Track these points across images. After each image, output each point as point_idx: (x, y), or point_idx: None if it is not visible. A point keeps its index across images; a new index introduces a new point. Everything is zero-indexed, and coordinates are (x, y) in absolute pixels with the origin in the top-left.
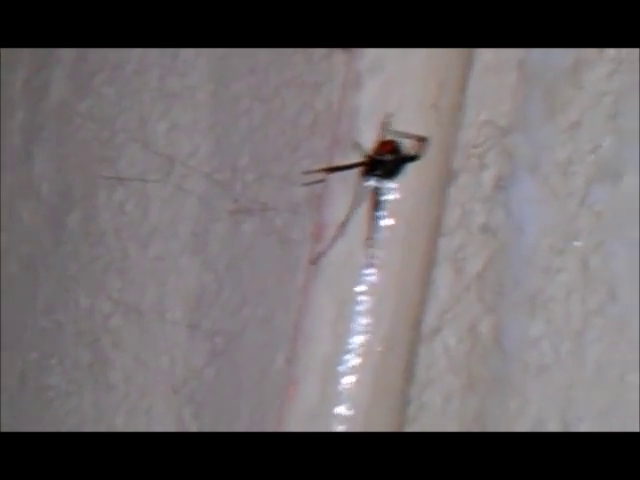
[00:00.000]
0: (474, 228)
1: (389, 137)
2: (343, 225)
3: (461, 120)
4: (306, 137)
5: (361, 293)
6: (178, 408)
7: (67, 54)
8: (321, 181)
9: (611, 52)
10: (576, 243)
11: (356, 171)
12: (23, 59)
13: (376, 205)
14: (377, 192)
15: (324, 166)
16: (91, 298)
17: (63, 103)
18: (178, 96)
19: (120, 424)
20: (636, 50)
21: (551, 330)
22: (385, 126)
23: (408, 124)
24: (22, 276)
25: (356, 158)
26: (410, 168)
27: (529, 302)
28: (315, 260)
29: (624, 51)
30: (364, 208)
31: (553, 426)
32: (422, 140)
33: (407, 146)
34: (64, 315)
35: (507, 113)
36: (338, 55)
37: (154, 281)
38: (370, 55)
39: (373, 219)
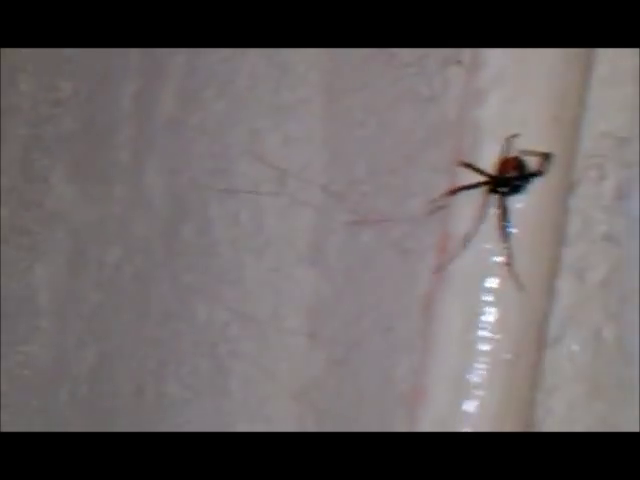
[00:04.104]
0: (596, 237)
1: (513, 154)
2: (469, 236)
3: (581, 132)
4: (422, 149)
5: (488, 302)
6: (299, 416)
7: (175, 69)
8: (449, 194)
9: None
10: None
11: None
12: (130, 74)
13: (502, 216)
14: (503, 204)
15: (443, 180)
16: (208, 308)
17: (173, 118)
18: (290, 109)
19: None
20: None
21: None
22: (509, 143)
23: (530, 137)
24: (136, 288)
25: (479, 175)
26: (532, 185)
27: None
28: (440, 270)
29: None
30: (490, 219)
31: None
32: (546, 156)
33: (530, 162)
34: (181, 324)
35: (625, 124)
36: (452, 68)
37: (270, 291)
38: (492, 69)
39: (500, 229)
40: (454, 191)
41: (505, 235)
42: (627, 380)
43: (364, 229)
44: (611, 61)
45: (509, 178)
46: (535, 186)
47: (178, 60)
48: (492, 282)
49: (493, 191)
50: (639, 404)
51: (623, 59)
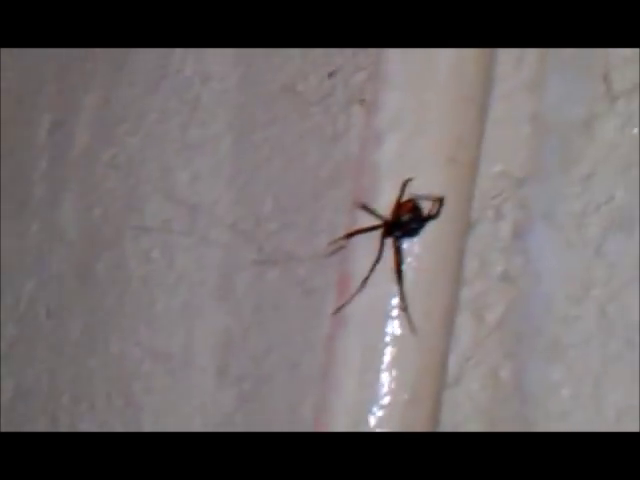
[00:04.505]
0: (493, 277)
1: (408, 197)
2: (366, 278)
3: (478, 172)
4: (327, 187)
5: (386, 343)
6: None
7: (90, 102)
8: (346, 237)
9: (621, 106)
10: (593, 292)
11: None
12: (46, 107)
13: (400, 258)
14: (398, 247)
15: (347, 219)
16: (120, 344)
17: (87, 152)
18: (200, 146)
19: None
20: None
21: (571, 376)
22: (405, 185)
23: (427, 179)
24: (50, 322)
25: (377, 217)
26: (429, 226)
27: (549, 349)
28: (338, 311)
29: (634, 103)
30: (387, 260)
31: None
32: (439, 200)
33: (425, 206)
34: (94, 361)
35: (522, 164)
36: (356, 107)
37: (182, 328)
38: (389, 110)
39: (398, 271)
40: (352, 233)
41: (399, 277)
42: (524, 419)
43: (270, 267)
44: (507, 101)
45: (403, 221)
46: (433, 227)
47: (93, 94)
48: (391, 323)
49: (388, 234)
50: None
51: (519, 98)
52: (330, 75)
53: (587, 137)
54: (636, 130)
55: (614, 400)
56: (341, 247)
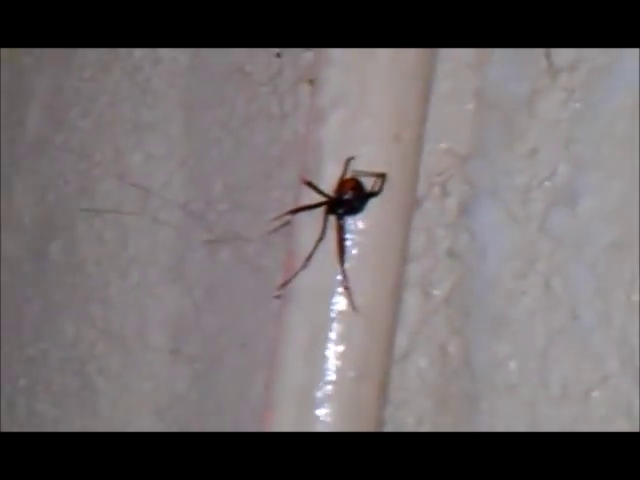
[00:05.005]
0: (440, 253)
1: (350, 175)
2: (309, 256)
3: (422, 149)
4: (276, 167)
5: (332, 319)
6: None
7: (41, 87)
8: (290, 213)
9: (564, 80)
10: (538, 266)
11: None
12: None
13: (342, 236)
14: (341, 224)
15: (292, 198)
16: (76, 326)
17: (39, 136)
18: (151, 128)
19: None
20: (589, 78)
21: (516, 350)
22: (347, 163)
23: (372, 156)
24: (7, 306)
25: (320, 195)
26: (373, 202)
27: (495, 324)
28: (281, 289)
29: (576, 79)
30: (332, 238)
31: None
32: (381, 176)
33: (368, 183)
34: (50, 343)
35: (466, 141)
36: (304, 87)
37: (135, 309)
38: (332, 89)
39: (340, 249)
40: (295, 210)
41: (341, 255)
42: (472, 393)
43: (221, 247)
44: (450, 78)
45: (345, 199)
46: (379, 204)
47: (44, 79)
48: (337, 300)
49: (331, 211)
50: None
51: (463, 75)
52: (278, 55)
53: (530, 113)
54: (578, 105)
55: (560, 374)
56: (286, 223)
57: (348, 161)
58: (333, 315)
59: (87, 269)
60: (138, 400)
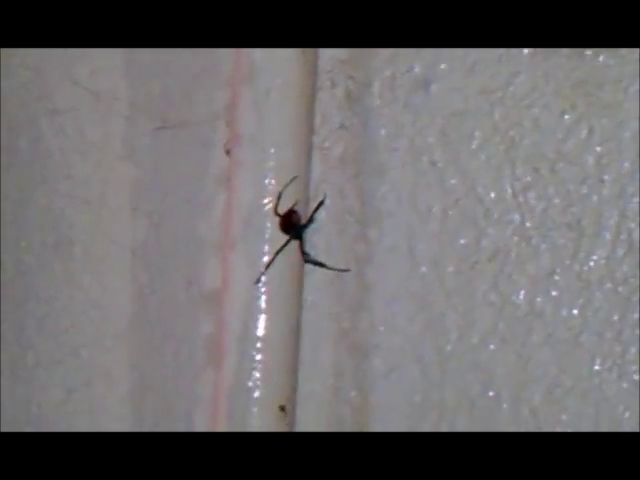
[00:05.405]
0: (334, 127)
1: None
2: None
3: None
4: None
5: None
6: (133, 269)
7: None
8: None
9: None
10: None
11: None
12: None
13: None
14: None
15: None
16: (47, 196)
17: None
18: None
19: (87, 283)
20: None
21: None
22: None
23: None
24: None
25: None
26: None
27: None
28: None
29: None
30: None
31: None
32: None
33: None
34: (30, 211)
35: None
36: None
37: (97, 180)
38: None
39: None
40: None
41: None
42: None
43: (167, 131)
44: None
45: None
46: (289, 91)
47: None
48: None
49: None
50: None
51: None
52: None
53: None
54: None
55: None
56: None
57: (280, 195)
58: None
59: (53, 156)
60: (110, 244)
